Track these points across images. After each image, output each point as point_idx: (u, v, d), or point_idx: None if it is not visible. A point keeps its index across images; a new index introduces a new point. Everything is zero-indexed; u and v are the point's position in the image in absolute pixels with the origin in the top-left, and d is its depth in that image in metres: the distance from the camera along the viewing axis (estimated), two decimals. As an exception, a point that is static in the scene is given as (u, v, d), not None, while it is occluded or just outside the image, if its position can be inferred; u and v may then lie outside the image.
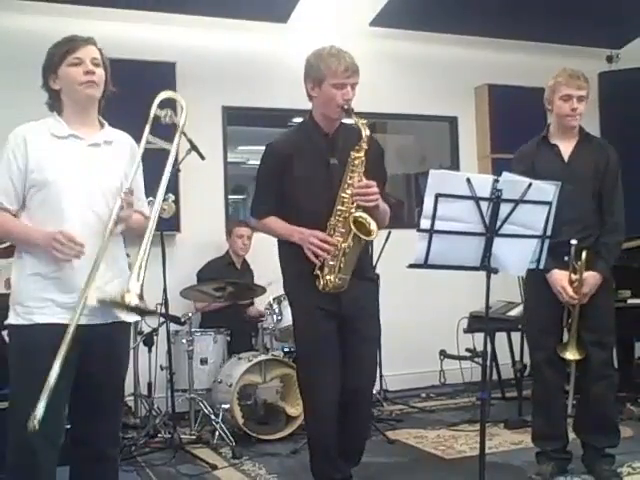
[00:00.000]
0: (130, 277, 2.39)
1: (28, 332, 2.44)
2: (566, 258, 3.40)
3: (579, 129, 3.58)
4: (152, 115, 2.59)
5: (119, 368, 2.67)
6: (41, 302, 2.46)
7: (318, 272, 3.04)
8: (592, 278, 3.41)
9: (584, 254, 3.37)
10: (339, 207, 3.05)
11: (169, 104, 2.64)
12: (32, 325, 2.45)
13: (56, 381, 2.30)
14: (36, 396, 2.28)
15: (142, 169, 2.70)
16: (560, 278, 3.40)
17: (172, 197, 3.27)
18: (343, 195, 3.05)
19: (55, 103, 2.58)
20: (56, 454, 2.50)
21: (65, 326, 2.37)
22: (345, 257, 3.02)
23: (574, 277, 3.38)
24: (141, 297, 2.38)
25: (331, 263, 3.02)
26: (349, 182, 3.05)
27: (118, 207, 2.46)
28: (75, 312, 2.37)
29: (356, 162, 3.07)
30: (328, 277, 3.03)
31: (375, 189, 3.06)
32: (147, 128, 2.58)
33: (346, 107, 3.08)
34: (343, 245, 3.02)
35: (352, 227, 3.00)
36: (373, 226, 3.01)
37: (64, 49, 2.52)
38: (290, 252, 3.19)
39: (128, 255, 2.77)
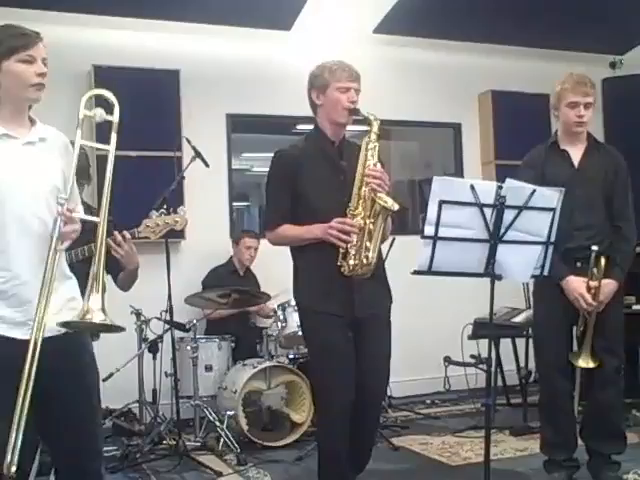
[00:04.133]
0: (87, 293, 2.20)
1: None
2: (579, 264, 3.40)
3: (587, 135, 3.57)
4: (81, 117, 2.35)
5: (85, 378, 2.42)
6: None
7: (342, 262, 3.02)
8: (609, 286, 3.40)
9: (603, 260, 3.36)
10: (356, 191, 3.05)
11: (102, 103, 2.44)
12: None
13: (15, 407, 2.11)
14: None
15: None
16: (578, 285, 3.37)
17: (185, 209, 3.26)
18: (360, 178, 3.06)
19: None
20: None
21: (7, 339, 2.21)
22: (371, 235, 3.00)
23: (592, 284, 3.36)
24: (103, 310, 2.20)
25: (354, 249, 2.99)
26: (365, 165, 3.07)
27: (58, 224, 2.23)
28: (32, 328, 2.16)
29: (369, 147, 3.10)
30: (352, 262, 3.00)
31: (386, 176, 3.07)
32: (78, 132, 2.35)
33: (352, 107, 3.13)
34: (367, 222, 3.01)
35: (375, 198, 2.99)
36: (391, 201, 2.99)
37: (15, 43, 2.29)
38: (304, 259, 3.18)
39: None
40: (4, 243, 2.27)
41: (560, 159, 3.54)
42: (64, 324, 2.21)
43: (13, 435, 2.10)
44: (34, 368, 2.13)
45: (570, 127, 3.50)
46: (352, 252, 3.00)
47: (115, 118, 2.40)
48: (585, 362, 3.43)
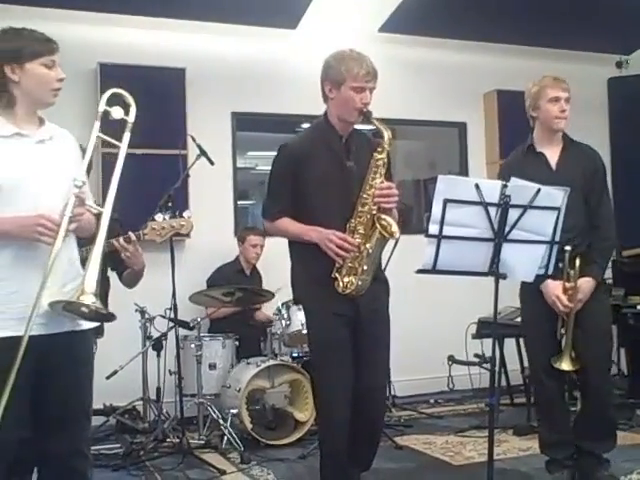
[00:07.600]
0: (84, 276, 2.24)
1: None
2: (560, 265, 3.35)
3: (562, 135, 3.55)
4: (101, 111, 2.46)
5: (82, 379, 2.45)
6: None
7: (336, 274, 3.01)
8: (586, 284, 3.37)
9: (577, 261, 3.34)
10: (360, 209, 3.03)
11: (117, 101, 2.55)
12: None
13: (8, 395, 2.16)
14: None
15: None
16: (554, 287, 3.35)
17: (190, 213, 3.26)
18: (364, 196, 3.03)
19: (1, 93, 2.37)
20: (3, 467, 2.31)
21: (19, 338, 2.20)
22: (368, 259, 2.99)
23: (568, 285, 3.33)
24: (97, 296, 2.24)
25: (350, 265, 2.99)
26: (371, 183, 3.04)
27: (72, 204, 2.29)
28: (28, 322, 2.20)
29: (378, 163, 3.06)
30: (347, 279, 2.99)
31: (396, 191, 3.05)
32: (96, 124, 2.45)
33: (364, 110, 3.07)
34: (367, 245, 2.99)
35: (377, 225, 2.97)
36: (395, 227, 2.98)
37: (42, 47, 2.37)
38: (303, 255, 3.16)
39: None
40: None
41: (537, 162, 3.50)
42: (53, 304, 2.24)
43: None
44: (19, 359, 2.18)
45: (551, 123, 3.47)
46: (346, 270, 2.99)
47: (131, 118, 2.53)
48: (567, 365, 3.38)
